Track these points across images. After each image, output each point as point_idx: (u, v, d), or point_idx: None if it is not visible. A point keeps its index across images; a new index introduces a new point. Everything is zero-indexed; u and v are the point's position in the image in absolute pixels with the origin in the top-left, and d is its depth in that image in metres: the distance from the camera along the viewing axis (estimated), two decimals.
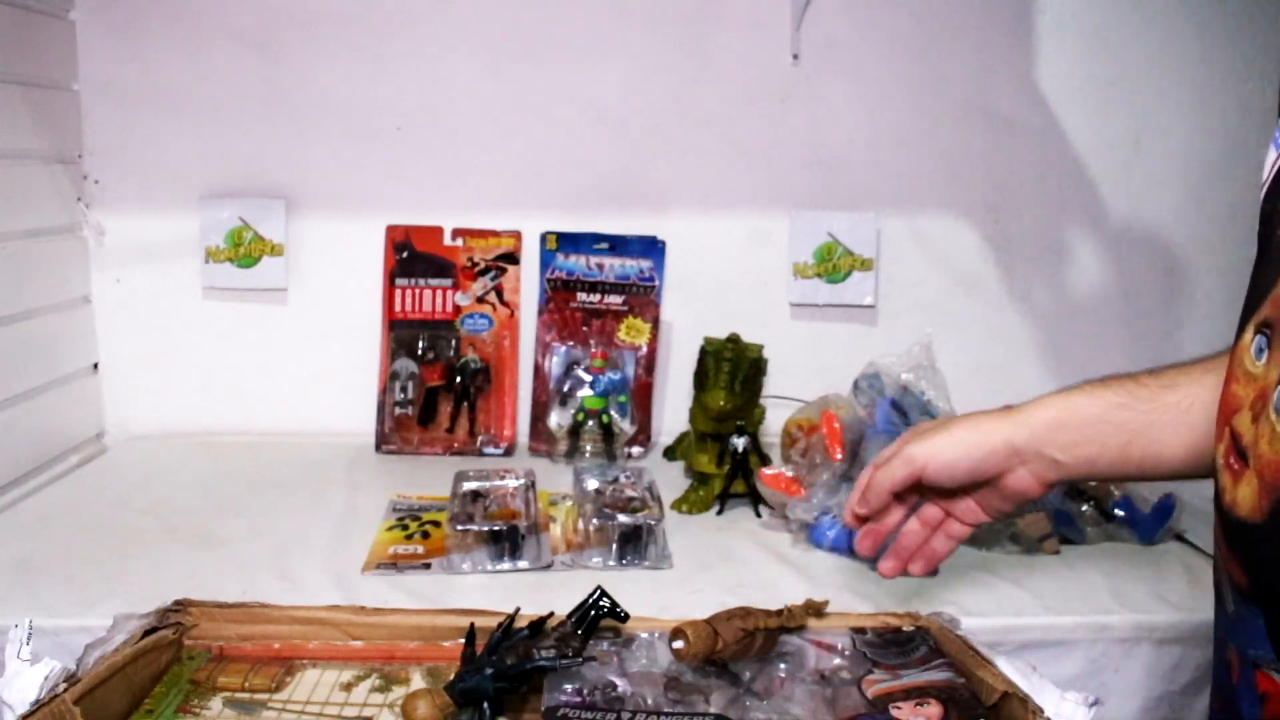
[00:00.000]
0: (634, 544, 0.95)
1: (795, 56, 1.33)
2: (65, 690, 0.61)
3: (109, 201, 1.31)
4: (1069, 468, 0.71)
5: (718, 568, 0.95)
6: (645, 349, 1.33)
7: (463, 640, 0.71)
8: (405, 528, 1.02)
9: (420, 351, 1.31)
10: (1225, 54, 1.37)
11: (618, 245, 1.33)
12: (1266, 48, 1.37)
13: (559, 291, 1.33)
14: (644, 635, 0.75)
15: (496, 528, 0.93)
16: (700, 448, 1.13)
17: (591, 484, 1.04)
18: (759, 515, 1.08)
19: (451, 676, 0.67)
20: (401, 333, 1.32)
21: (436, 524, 1.02)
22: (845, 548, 0.96)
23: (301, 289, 1.35)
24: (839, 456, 1.01)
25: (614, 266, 1.33)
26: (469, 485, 1.02)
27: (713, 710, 0.66)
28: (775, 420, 1.14)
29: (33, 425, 1.19)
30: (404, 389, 1.30)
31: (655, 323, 1.33)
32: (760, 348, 1.15)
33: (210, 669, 0.71)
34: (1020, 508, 0.82)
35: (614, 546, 0.95)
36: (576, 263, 1.33)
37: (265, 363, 1.36)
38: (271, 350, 1.36)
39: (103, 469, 1.24)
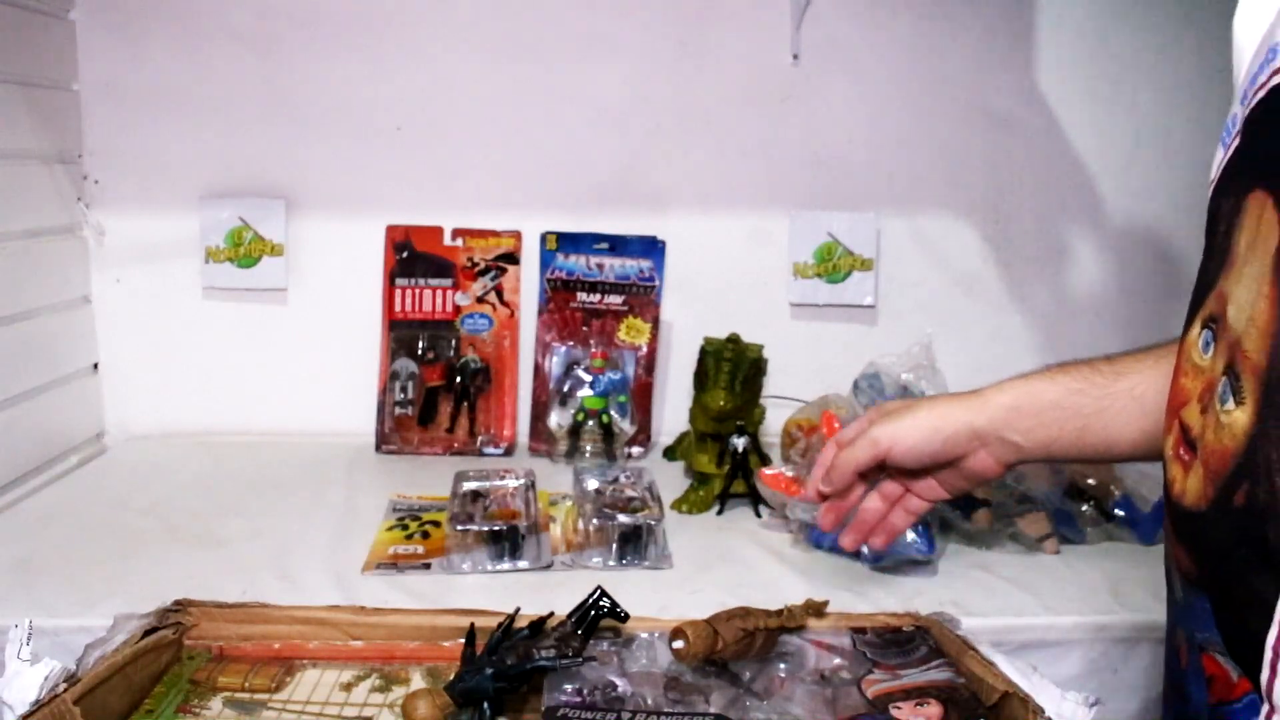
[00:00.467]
0: (634, 544, 0.95)
1: (795, 56, 1.33)
2: (65, 690, 0.61)
3: (109, 201, 1.31)
4: (1027, 450, 0.75)
5: (718, 568, 0.95)
6: (645, 349, 1.33)
7: (463, 640, 0.71)
8: (405, 528, 1.02)
9: (420, 351, 1.31)
10: (1225, 54, 1.36)
11: (618, 245, 1.33)
12: None
13: (559, 291, 1.33)
14: (644, 635, 0.75)
15: (496, 528, 0.93)
16: (700, 448, 1.12)
17: (591, 484, 1.04)
18: (759, 515, 1.08)
19: (451, 676, 0.67)
20: (401, 333, 1.32)
21: (436, 524, 1.02)
22: None
23: (301, 289, 1.35)
24: None
25: (614, 266, 1.33)
26: (469, 485, 1.02)
27: (713, 710, 0.66)
28: (775, 420, 1.14)
29: (33, 425, 1.18)
30: (404, 389, 1.30)
31: (655, 323, 1.33)
32: (760, 348, 1.15)
33: (210, 669, 0.71)
34: (978, 486, 0.88)
35: (614, 546, 0.95)
36: (576, 263, 1.33)
37: (265, 363, 1.36)
38: (271, 350, 1.36)
39: (103, 469, 1.24)
